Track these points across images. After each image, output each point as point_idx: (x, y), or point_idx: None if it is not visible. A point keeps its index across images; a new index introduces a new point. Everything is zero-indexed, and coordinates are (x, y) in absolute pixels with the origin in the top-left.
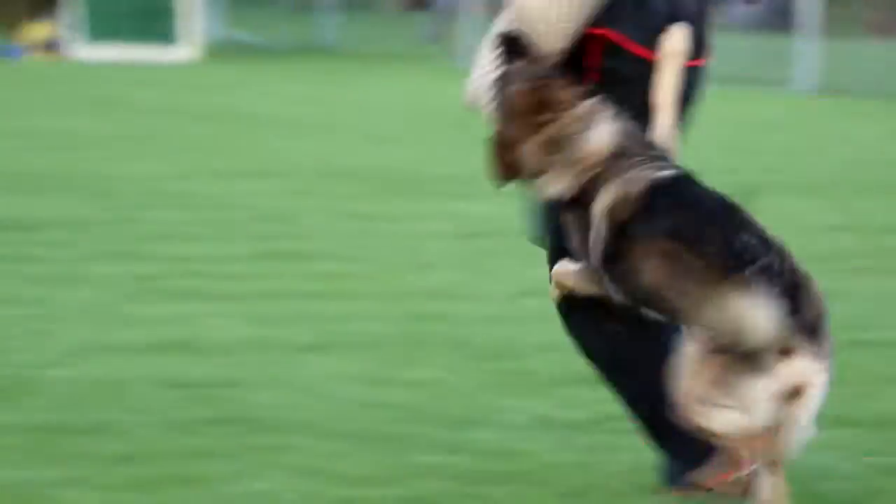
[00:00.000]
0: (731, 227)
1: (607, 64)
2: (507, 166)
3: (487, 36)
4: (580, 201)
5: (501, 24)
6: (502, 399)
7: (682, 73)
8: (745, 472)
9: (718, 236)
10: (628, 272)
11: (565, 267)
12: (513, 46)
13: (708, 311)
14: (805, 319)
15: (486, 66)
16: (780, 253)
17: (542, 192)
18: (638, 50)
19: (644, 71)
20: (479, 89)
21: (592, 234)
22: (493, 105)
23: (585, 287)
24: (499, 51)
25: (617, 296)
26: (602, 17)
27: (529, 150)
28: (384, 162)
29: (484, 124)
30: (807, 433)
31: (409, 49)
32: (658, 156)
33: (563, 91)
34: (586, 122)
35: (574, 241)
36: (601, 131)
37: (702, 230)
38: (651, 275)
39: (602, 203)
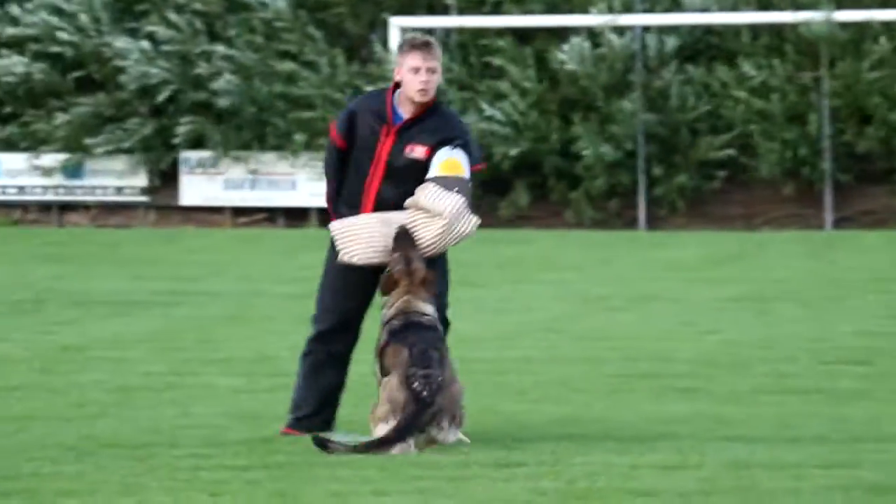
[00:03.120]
0: (420, 362)
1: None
2: (386, 289)
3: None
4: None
5: (397, 218)
6: None
7: None
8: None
9: (412, 355)
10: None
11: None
12: (405, 237)
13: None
14: (435, 405)
15: (362, 232)
16: (439, 365)
17: (384, 305)
18: None
19: None
20: (353, 243)
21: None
22: (398, 266)
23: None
24: (398, 237)
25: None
26: None
27: (397, 291)
28: None
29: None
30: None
31: None
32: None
33: (430, 273)
34: (428, 291)
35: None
36: (425, 298)
37: (405, 354)
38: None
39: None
